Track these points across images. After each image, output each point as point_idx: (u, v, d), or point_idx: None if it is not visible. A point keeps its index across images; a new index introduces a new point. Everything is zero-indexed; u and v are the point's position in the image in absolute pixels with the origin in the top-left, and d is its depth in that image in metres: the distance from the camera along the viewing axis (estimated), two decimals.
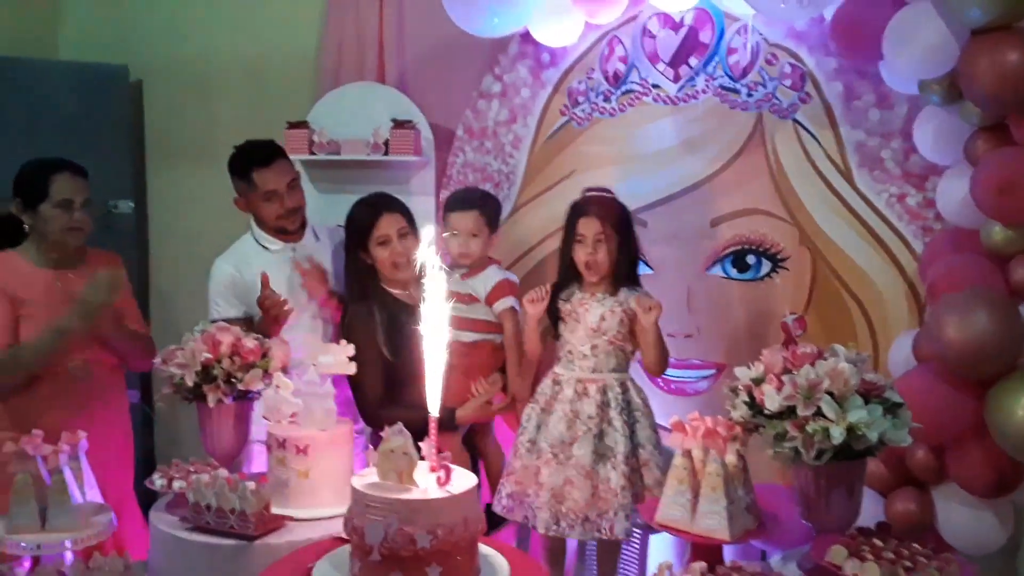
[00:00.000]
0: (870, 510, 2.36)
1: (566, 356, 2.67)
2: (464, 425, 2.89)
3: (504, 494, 2.65)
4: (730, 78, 3.14)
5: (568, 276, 2.71)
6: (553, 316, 2.71)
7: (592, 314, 2.63)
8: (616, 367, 2.63)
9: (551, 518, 2.54)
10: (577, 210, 2.69)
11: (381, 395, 2.83)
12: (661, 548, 2.87)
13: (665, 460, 2.57)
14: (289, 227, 3.01)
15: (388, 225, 2.87)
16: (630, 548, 2.88)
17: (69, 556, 2.21)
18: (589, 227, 2.63)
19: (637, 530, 2.70)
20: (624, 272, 2.67)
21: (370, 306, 2.87)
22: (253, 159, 2.95)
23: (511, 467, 2.67)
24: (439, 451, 1.90)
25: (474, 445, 3.00)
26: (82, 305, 2.64)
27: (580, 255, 2.64)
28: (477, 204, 2.95)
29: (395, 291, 2.92)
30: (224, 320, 2.83)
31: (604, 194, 2.72)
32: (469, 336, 2.88)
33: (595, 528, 2.52)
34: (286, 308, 2.82)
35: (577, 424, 2.57)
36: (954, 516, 2.68)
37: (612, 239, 2.63)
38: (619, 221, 2.66)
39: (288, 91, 3.93)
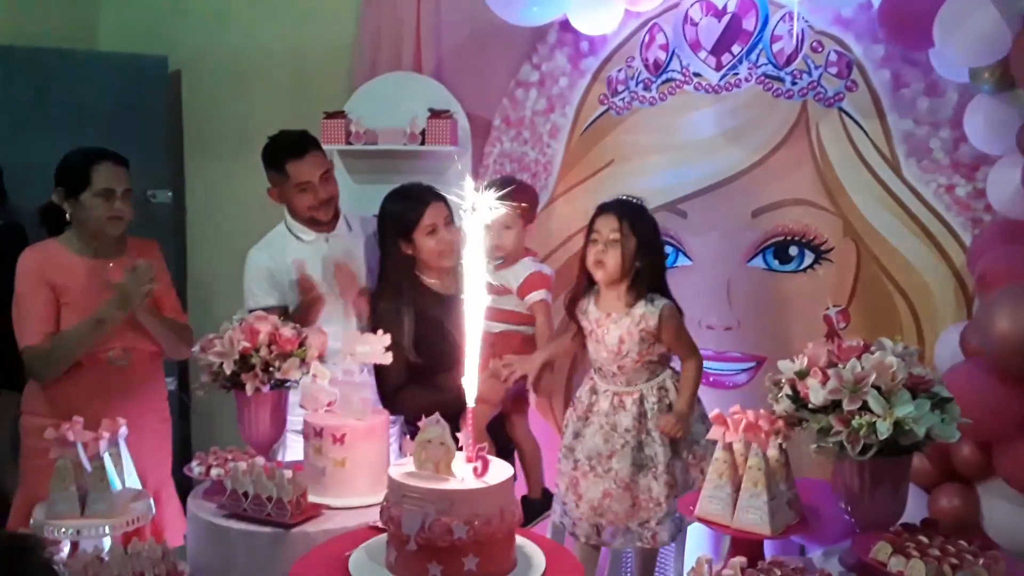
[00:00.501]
0: (913, 506, 2.31)
1: (597, 371, 2.62)
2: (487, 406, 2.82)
3: (557, 504, 2.63)
4: (774, 66, 3.09)
5: (585, 282, 2.61)
6: (569, 314, 2.65)
7: (611, 336, 2.54)
8: (651, 376, 2.57)
9: (591, 529, 2.53)
10: (599, 209, 2.60)
11: (400, 384, 2.83)
12: (698, 541, 2.84)
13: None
14: (322, 218, 3.01)
15: (435, 215, 2.86)
16: None
17: (108, 542, 2.23)
18: (605, 224, 2.54)
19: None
20: (644, 282, 2.54)
21: (400, 296, 2.87)
22: (287, 150, 2.95)
23: (557, 475, 2.65)
24: (476, 443, 1.88)
25: (508, 436, 2.98)
26: (122, 294, 2.66)
27: (591, 253, 2.55)
28: (513, 195, 2.92)
29: (429, 281, 2.91)
30: (262, 309, 2.84)
31: (635, 200, 2.62)
32: (498, 327, 2.86)
33: (637, 537, 2.51)
34: (316, 293, 2.84)
35: (615, 438, 2.53)
36: (1000, 513, 2.63)
37: (630, 241, 2.51)
38: (641, 224, 2.55)
39: (325, 81, 3.94)
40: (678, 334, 2.55)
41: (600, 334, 2.55)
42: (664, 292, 2.59)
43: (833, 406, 1.98)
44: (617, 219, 2.51)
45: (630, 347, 2.52)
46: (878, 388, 1.95)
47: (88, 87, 3.96)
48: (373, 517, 2.11)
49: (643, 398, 2.54)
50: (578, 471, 2.56)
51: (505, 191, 2.93)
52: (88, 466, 2.26)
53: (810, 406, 2.02)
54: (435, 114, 3.43)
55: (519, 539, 2.02)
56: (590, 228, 2.58)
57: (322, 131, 3.44)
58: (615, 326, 2.53)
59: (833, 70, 3.03)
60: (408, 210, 2.88)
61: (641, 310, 2.52)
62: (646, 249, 2.54)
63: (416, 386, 2.85)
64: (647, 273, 2.54)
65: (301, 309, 2.92)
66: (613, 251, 2.51)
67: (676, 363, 2.68)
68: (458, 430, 1.94)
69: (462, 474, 1.87)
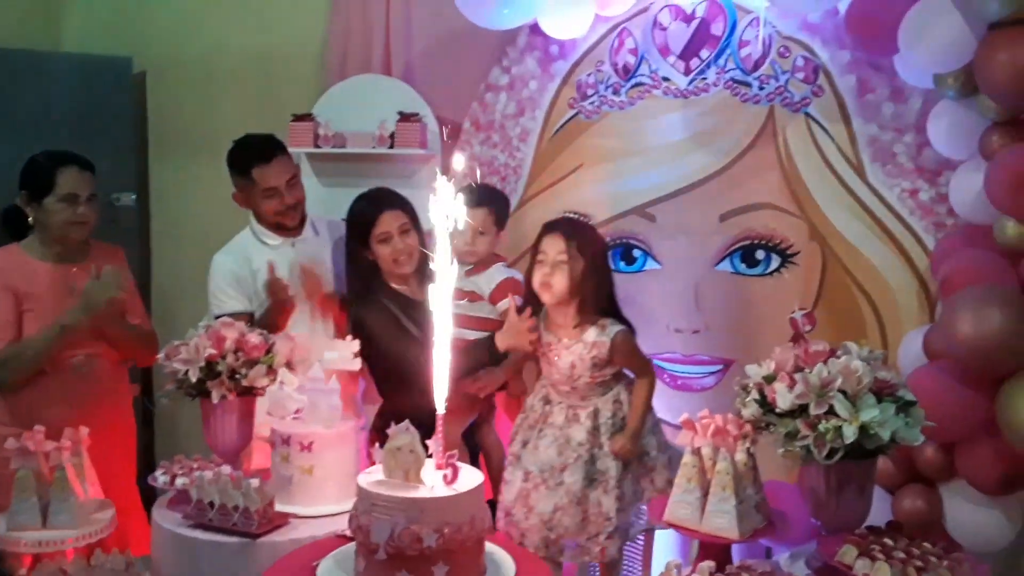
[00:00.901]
0: (877, 507, 2.33)
1: (551, 387, 2.59)
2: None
3: (501, 513, 2.59)
4: (742, 71, 3.11)
5: (534, 302, 2.55)
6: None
7: (563, 362, 2.51)
8: (605, 391, 2.54)
9: (540, 542, 2.51)
10: (545, 228, 2.55)
11: (398, 373, 2.78)
12: (665, 546, 2.85)
13: (671, 459, 2.54)
14: (288, 223, 2.98)
15: (389, 222, 2.81)
16: (634, 547, 2.86)
17: (71, 553, 2.19)
18: (552, 245, 2.48)
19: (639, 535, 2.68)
20: (591, 304, 2.49)
21: (378, 298, 2.84)
22: (253, 155, 2.92)
23: (503, 483, 2.61)
24: (446, 450, 1.88)
25: (475, 439, 2.98)
26: (86, 300, 2.62)
27: (537, 275, 2.49)
28: (486, 201, 2.90)
29: (397, 286, 2.89)
30: (228, 313, 2.81)
31: (581, 218, 2.60)
32: (472, 334, 2.84)
33: (585, 552, 2.49)
34: (286, 295, 2.82)
35: (568, 451, 2.50)
36: (962, 513, 2.66)
37: (577, 262, 2.45)
38: (590, 245, 2.50)
39: (293, 83, 3.91)
40: (631, 356, 2.53)
41: (551, 358, 2.53)
42: (614, 311, 2.56)
43: (800, 410, 2.01)
44: (564, 240, 2.46)
45: (582, 372, 2.49)
46: (844, 392, 1.97)
47: (51, 88, 3.90)
48: (341, 526, 2.10)
49: (597, 412, 2.51)
50: (529, 483, 2.53)
51: (480, 197, 2.95)
52: (50, 476, 2.22)
53: (777, 410, 2.04)
54: (404, 117, 3.41)
55: (489, 546, 2.01)
56: (536, 248, 2.53)
57: (290, 134, 3.41)
58: (567, 352, 2.50)
59: (800, 75, 3.06)
60: (363, 217, 2.85)
61: (592, 337, 2.48)
62: (594, 269, 2.49)
63: (398, 398, 2.82)
64: (595, 293, 2.49)
65: (270, 313, 2.89)
66: (560, 273, 2.45)
67: None
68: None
69: (432, 482, 1.87)
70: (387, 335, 2.77)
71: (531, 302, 2.57)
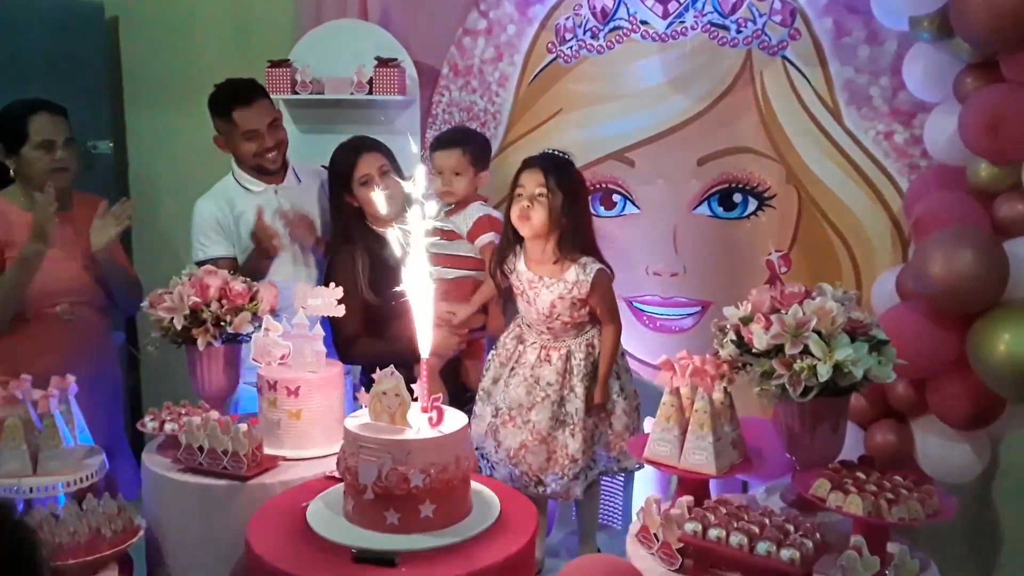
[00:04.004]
0: (851, 442, 2.40)
1: (525, 326, 2.61)
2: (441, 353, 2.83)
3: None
4: (719, 14, 3.10)
5: (512, 239, 2.57)
6: (499, 267, 2.65)
7: (542, 300, 2.52)
8: (579, 333, 2.57)
9: (507, 476, 2.57)
10: (524, 164, 2.55)
11: (357, 334, 2.85)
12: (645, 483, 2.92)
13: (632, 405, 2.59)
14: (269, 166, 2.98)
15: (368, 165, 2.88)
16: (614, 483, 2.93)
17: (62, 499, 2.23)
18: (530, 179, 2.48)
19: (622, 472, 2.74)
20: (569, 240, 2.50)
21: (353, 248, 2.88)
22: (234, 98, 2.92)
23: (473, 418, 2.64)
24: (431, 393, 1.92)
25: (462, 382, 3.02)
26: (36, 228, 2.60)
27: (515, 209, 2.50)
28: (460, 142, 2.92)
29: (380, 230, 2.91)
30: (211, 259, 2.83)
31: (561, 155, 2.58)
32: (452, 273, 2.89)
33: (549, 490, 2.55)
34: (277, 241, 2.85)
35: (537, 390, 2.53)
36: (932, 447, 2.73)
37: (556, 198, 2.46)
38: (567, 180, 2.50)
39: (270, 28, 3.85)
40: (605, 297, 2.55)
41: (531, 296, 2.54)
42: (594, 251, 2.57)
43: (776, 350, 2.05)
44: (543, 174, 2.47)
45: (561, 311, 2.51)
46: (818, 332, 2.02)
47: (23, 36, 3.81)
48: (330, 468, 2.15)
49: (570, 354, 2.54)
50: (498, 418, 2.58)
51: (453, 138, 2.95)
52: (39, 424, 2.25)
53: (754, 350, 2.08)
54: (382, 63, 3.38)
55: (474, 484, 2.07)
56: (515, 183, 2.54)
57: (267, 80, 3.37)
58: (547, 291, 2.51)
59: (777, 18, 3.06)
60: (343, 161, 2.91)
61: (574, 276, 2.50)
62: (572, 204, 2.50)
63: (371, 336, 2.87)
64: (573, 229, 2.50)
65: (253, 259, 2.90)
66: (539, 206, 2.47)
67: None
68: (413, 380, 1.97)
69: (417, 424, 1.91)
70: (365, 280, 2.82)
71: (510, 236, 2.58)
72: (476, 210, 2.92)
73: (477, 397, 2.68)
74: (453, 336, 2.85)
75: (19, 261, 2.63)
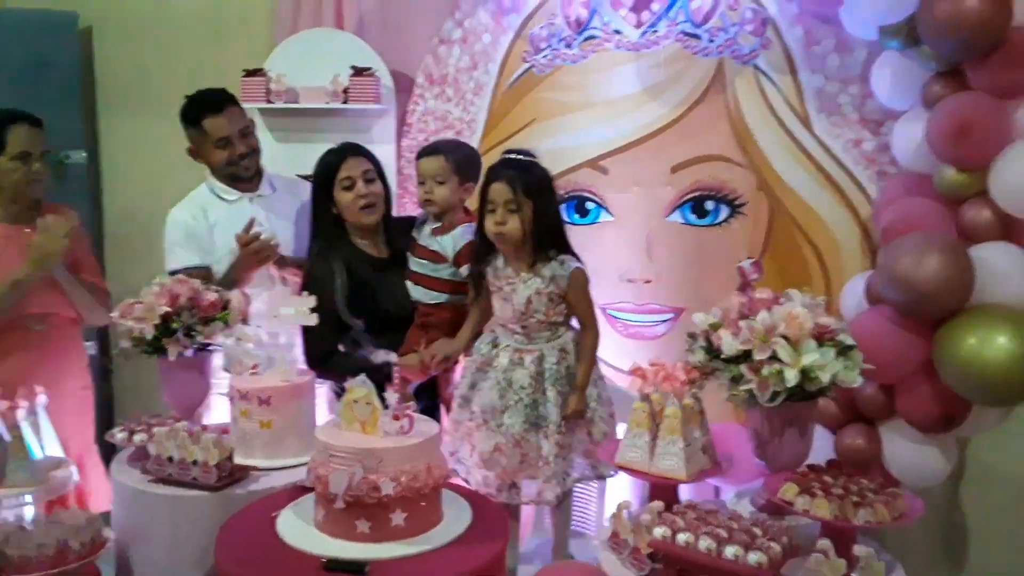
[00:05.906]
0: (821, 446, 2.42)
1: (500, 327, 2.60)
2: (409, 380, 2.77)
3: (447, 452, 2.64)
4: (692, 24, 3.13)
5: (488, 245, 2.56)
6: (475, 280, 2.61)
7: (519, 296, 2.50)
8: (552, 336, 2.54)
9: (481, 480, 2.56)
10: (489, 175, 2.52)
11: (327, 350, 2.79)
12: (618, 490, 2.92)
13: (610, 412, 2.60)
14: (242, 174, 2.98)
15: (352, 167, 2.81)
16: (589, 489, 2.93)
17: (31, 511, 2.21)
18: (499, 193, 2.46)
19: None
20: (545, 241, 2.49)
21: (331, 261, 2.83)
22: (204, 107, 2.92)
23: (449, 423, 2.63)
24: (402, 401, 1.92)
25: (436, 393, 3.01)
26: (39, 253, 2.60)
27: (489, 224, 2.48)
28: (444, 150, 2.88)
29: (360, 243, 2.89)
30: (184, 268, 2.81)
31: (523, 157, 2.54)
32: (432, 296, 2.83)
33: (521, 495, 2.54)
34: (273, 243, 2.84)
35: (510, 394, 2.51)
36: (900, 451, 2.76)
37: (526, 206, 2.45)
38: (534, 186, 2.48)
39: (244, 37, 3.85)
40: (583, 297, 2.53)
41: (508, 291, 2.52)
42: (567, 247, 2.56)
43: (744, 356, 2.07)
44: (508, 186, 2.46)
45: (537, 307, 2.49)
46: (786, 338, 2.04)
47: None
48: (301, 477, 2.14)
49: (543, 357, 2.52)
50: (472, 422, 2.58)
51: (435, 147, 2.93)
52: (7, 436, 2.23)
53: (723, 356, 2.10)
54: (358, 72, 3.39)
55: (446, 492, 2.07)
56: (484, 195, 2.52)
57: (241, 89, 3.37)
58: (525, 287, 2.50)
59: (749, 28, 3.08)
60: (326, 165, 2.85)
61: (551, 272, 2.49)
62: (544, 207, 2.49)
63: (344, 353, 2.83)
64: (548, 231, 2.50)
65: (239, 268, 2.88)
66: (512, 219, 2.45)
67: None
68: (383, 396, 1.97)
69: (388, 432, 1.91)
70: (341, 294, 2.80)
71: (485, 248, 2.60)
72: (465, 234, 2.81)
73: (455, 403, 2.67)
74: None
75: (11, 283, 2.63)
